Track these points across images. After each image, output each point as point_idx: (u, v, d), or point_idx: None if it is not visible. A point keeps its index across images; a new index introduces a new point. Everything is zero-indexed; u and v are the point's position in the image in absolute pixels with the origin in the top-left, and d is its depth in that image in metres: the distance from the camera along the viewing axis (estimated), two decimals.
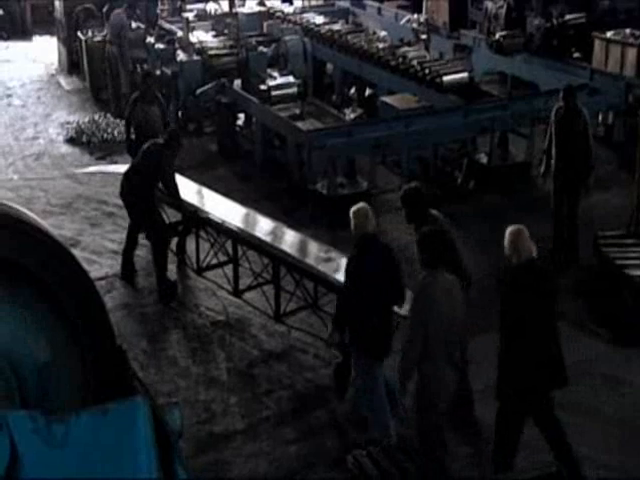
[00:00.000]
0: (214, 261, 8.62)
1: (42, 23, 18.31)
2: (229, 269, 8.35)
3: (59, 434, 2.55)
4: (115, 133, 12.70)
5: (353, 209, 6.12)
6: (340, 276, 6.83)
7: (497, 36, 12.54)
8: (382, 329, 6.00)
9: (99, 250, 9.38)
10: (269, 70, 12.56)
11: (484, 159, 10.96)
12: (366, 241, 6.01)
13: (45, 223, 3.23)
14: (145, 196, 8.44)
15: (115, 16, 13.98)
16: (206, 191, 9.59)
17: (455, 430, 6.19)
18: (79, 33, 15.07)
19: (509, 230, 5.63)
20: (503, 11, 12.78)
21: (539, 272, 5.59)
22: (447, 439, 5.78)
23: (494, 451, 5.67)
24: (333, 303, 7.06)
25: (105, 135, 12.77)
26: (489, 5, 13.03)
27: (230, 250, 8.31)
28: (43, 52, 17.40)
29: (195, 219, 8.71)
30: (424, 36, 13.66)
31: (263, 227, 8.72)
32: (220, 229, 8.48)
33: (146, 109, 9.83)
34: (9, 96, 15.00)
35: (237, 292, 8.22)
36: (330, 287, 7.25)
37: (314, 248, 8.22)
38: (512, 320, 5.45)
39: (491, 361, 5.61)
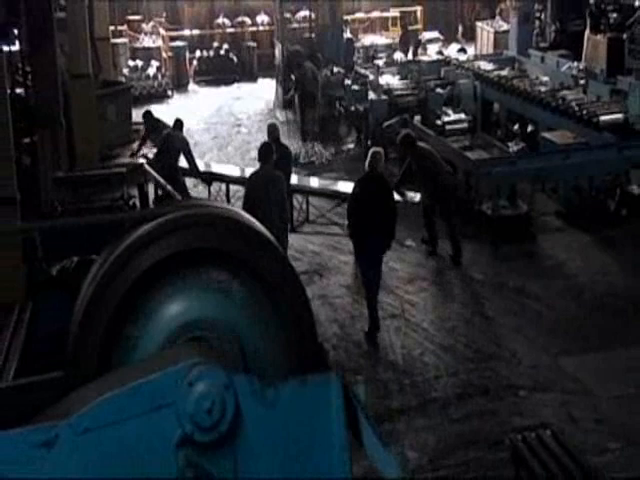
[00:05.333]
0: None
1: (265, 68, 19.01)
2: None
3: (270, 397, 2.52)
4: (315, 157, 12.93)
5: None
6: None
7: None
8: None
9: (302, 249, 9.54)
10: (444, 108, 12.43)
11: (636, 190, 10.11)
12: None
13: (263, 227, 3.30)
14: (169, 169, 9.55)
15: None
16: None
17: None
18: (292, 75, 15.51)
19: (370, 151, 7.66)
20: None
21: (376, 179, 7.43)
22: None
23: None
24: None
25: (309, 158, 13.01)
26: None
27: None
28: (265, 91, 18.04)
29: (209, 177, 10.55)
30: (582, 81, 12.88)
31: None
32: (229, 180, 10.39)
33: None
34: (239, 125, 15.70)
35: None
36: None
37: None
38: (353, 202, 7.49)
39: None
